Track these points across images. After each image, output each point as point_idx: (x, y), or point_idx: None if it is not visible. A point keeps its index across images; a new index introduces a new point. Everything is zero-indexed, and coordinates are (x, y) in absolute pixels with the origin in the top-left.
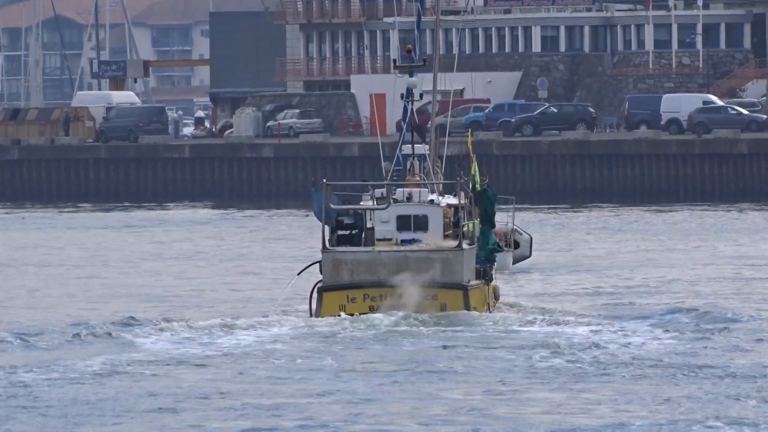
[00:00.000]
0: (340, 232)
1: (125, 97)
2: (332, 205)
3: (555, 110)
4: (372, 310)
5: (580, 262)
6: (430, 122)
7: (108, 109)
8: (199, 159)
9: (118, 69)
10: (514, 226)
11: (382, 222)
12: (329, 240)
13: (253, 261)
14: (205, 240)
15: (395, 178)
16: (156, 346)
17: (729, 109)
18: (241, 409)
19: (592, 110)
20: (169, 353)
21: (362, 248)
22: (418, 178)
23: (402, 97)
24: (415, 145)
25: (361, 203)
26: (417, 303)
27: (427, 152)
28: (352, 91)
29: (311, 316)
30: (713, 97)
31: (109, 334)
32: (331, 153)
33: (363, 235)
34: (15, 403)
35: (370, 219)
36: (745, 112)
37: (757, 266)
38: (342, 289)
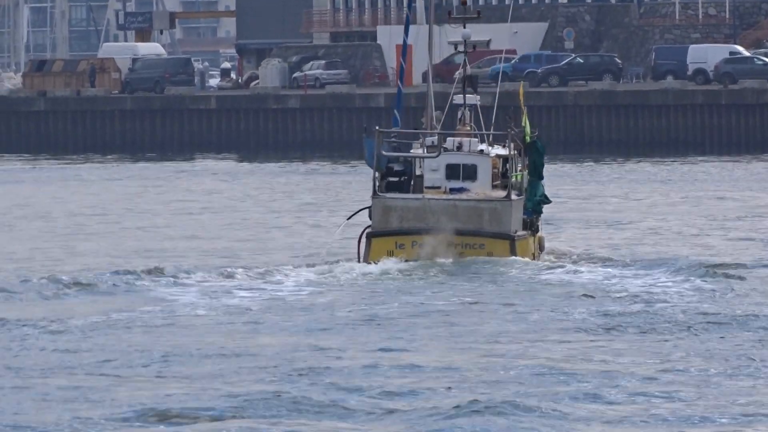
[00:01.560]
0: (389, 179)
1: (151, 48)
2: (383, 152)
3: (581, 61)
4: (420, 256)
5: (609, 213)
6: (457, 73)
7: (134, 60)
8: (225, 110)
9: (144, 20)
10: None
11: (432, 170)
12: (378, 186)
13: (292, 211)
14: (244, 190)
15: (393, 137)
16: (193, 296)
17: (755, 59)
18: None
19: (618, 61)
20: (208, 302)
21: (412, 195)
22: (468, 128)
23: (456, 48)
24: (466, 96)
25: (411, 151)
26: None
27: (478, 102)
28: (378, 42)
29: (359, 261)
30: (740, 48)
31: (153, 280)
32: (357, 104)
33: (412, 183)
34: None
35: (420, 167)
36: None
37: None
38: (391, 235)
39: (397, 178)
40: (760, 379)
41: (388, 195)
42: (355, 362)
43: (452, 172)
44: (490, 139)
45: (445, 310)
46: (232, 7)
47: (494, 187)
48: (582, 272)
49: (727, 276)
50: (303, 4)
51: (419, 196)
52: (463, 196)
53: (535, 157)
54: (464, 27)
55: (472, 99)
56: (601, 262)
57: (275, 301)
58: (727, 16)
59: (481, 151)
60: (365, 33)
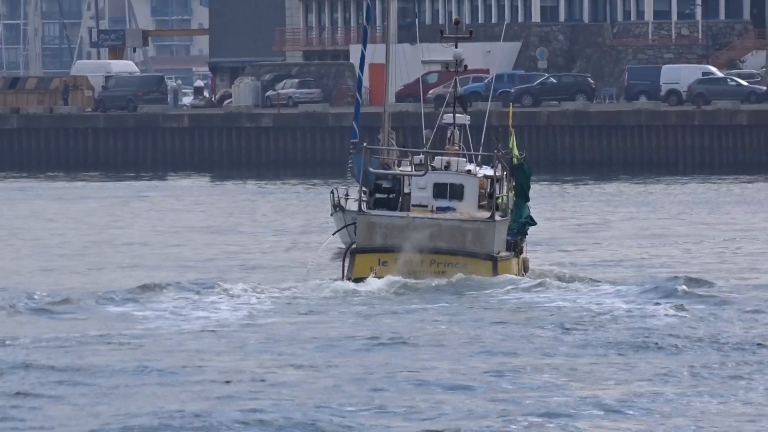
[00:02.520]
0: (377, 195)
1: (124, 66)
2: (371, 169)
3: (554, 81)
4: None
5: (584, 233)
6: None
7: (107, 78)
8: (198, 129)
9: (117, 38)
10: None
11: (419, 188)
12: (366, 202)
13: (269, 229)
14: (218, 208)
15: (352, 151)
16: (162, 315)
17: (728, 80)
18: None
19: (591, 81)
20: (176, 321)
21: (396, 213)
22: (457, 148)
23: (448, 67)
24: (456, 115)
25: (400, 169)
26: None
27: (468, 122)
28: (351, 61)
29: (343, 277)
30: (713, 68)
31: (134, 300)
32: (330, 123)
33: (400, 200)
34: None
35: (408, 184)
36: (744, 83)
37: (754, 238)
38: (374, 251)
39: (386, 195)
40: (735, 400)
41: (373, 212)
42: (324, 384)
43: (439, 191)
44: (479, 159)
45: (418, 332)
46: (206, 25)
47: (481, 207)
48: (563, 293)
49: (703, 297)
50: (276, 23)
51: (404, 214)
52: (447, 215)
53: (521, 178)
54: (456, 46)
55: (462, 119)
56: (579, 282)
57: (245, 320)
58: (700, 37)
59: (469, 171)
60: (338, 52)
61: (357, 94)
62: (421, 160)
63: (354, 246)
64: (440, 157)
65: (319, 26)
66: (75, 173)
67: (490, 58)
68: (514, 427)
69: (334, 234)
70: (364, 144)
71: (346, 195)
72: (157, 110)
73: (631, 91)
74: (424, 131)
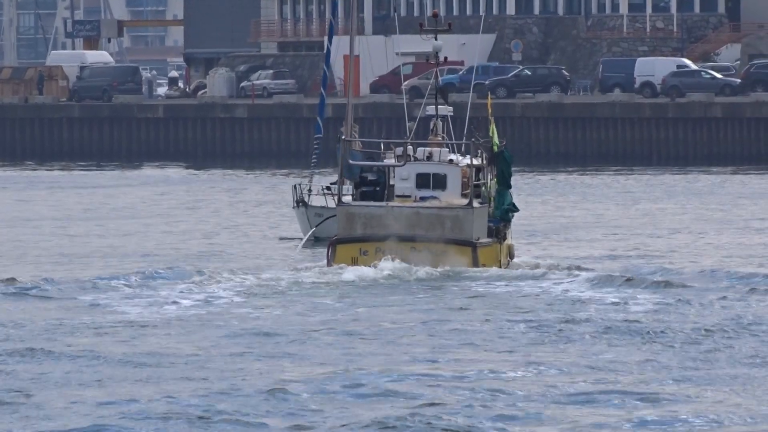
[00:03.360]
0: (363, 188)
1: (99, 56)
2: (351, 161)
3: (529, 73)
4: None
5: (558, 225)
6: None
7: (82, 68)
8: (172, 119)
9: (92, 29)
10: None
11: (402, 179)
12: (353, 195)
13: (240, 219)
14: (193, 198)
15: (316, 145)
16: (138, 306)
17: (703, 73)
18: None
19: (566, 73)
20: (152, 311)
21: (375, 203)
22: (439, 138)
23: (429, 59)
24: (438, 107)
25: (384, 160)
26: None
27: (450, 114)
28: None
29: (328, 266)
30: (687, 61)
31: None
32: (305, 114)
33: (386, 192)
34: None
35: (393, 176)
36: (719, 76)
37: (727, 229)
38: (354, 241)
39: (371, 187)
40: (707, 389)
41: (353, 203)
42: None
43: (422, 181)
44: (462, 148)
45: (398, 322)
46: (180, 16)
47: (464, 196)
48: (539, 283)
49: (676, 285)
50: (251, 14)
51: (383, 203)
52: (426, 203)
53: (503, 166)
54: (436, 39)
55: (444, 110)
56: (553, 272)
57: (220, 310)
58: (675, 30)
59: (451, 160)
60: (313, 43)
61: (321, 89)
62: (404, 152)
63: (335, 236)
64: (422, 148)
65: (294, 18)
66: (49, 163)
67: (465, 50)
68: (486, 420)
69: (317, 226)
70: (343, 137)
71: (309, 190)
72: (132, 100)
73: (605, 83)
74: (407, 123)
